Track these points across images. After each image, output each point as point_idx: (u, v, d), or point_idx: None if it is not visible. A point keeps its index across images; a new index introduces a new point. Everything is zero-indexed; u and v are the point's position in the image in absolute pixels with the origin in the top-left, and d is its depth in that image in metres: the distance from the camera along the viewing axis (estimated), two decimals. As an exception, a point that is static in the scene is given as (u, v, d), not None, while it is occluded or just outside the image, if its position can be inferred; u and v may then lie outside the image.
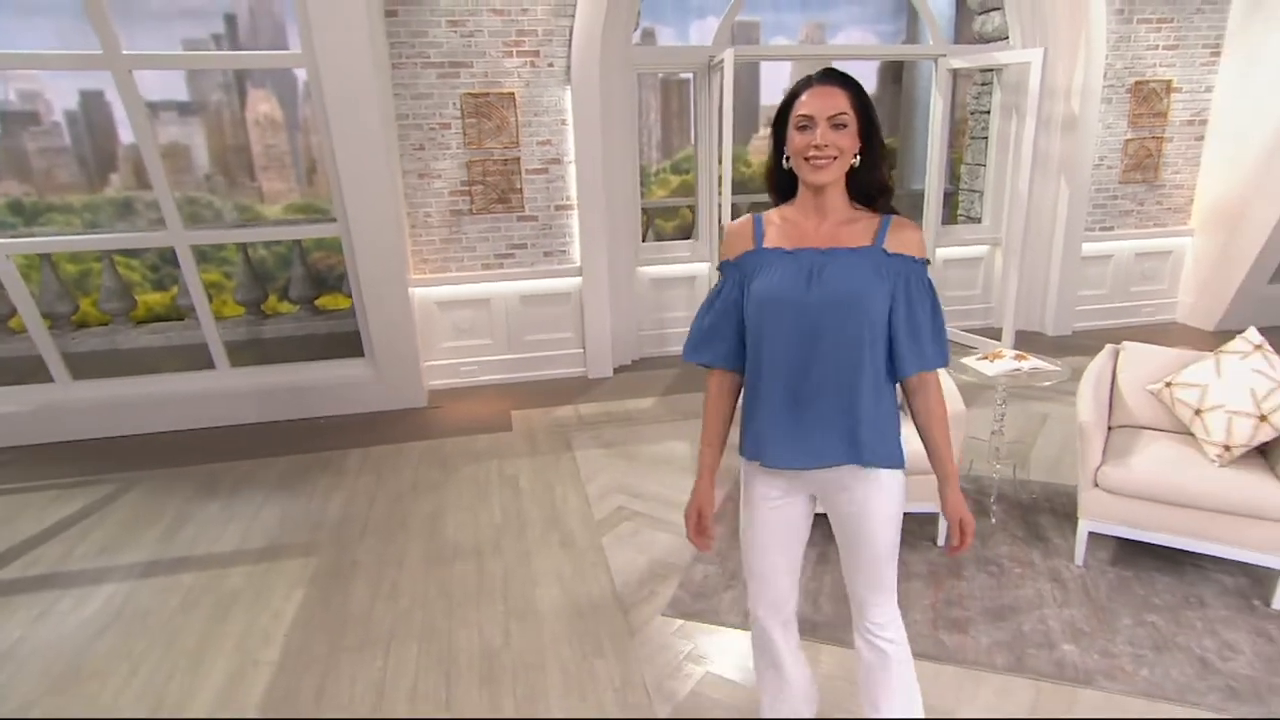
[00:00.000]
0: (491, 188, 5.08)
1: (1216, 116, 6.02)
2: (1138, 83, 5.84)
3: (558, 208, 5.25)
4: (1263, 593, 2.82)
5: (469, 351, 5.41)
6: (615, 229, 5.41)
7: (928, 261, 1.67)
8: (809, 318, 1.62)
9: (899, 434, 1.74)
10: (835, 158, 1.59)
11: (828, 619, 2.76)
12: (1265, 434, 2.79)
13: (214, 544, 3.48)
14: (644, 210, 6.61)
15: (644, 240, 6.18)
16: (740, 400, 1.84)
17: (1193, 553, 2.89)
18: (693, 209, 6.22)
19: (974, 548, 3.20)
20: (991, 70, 6.12)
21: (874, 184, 1.67)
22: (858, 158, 1.63)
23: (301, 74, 4.16)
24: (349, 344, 5.06)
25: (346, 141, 4.17)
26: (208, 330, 4.73)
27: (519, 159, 5.07)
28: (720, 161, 5.09)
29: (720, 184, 5.12)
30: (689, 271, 5.90)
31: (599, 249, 5.29)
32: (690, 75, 5.67)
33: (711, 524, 1.85)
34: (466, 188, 5.06)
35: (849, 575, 1.89)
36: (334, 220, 4.55)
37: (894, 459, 1.72)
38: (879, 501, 1.75)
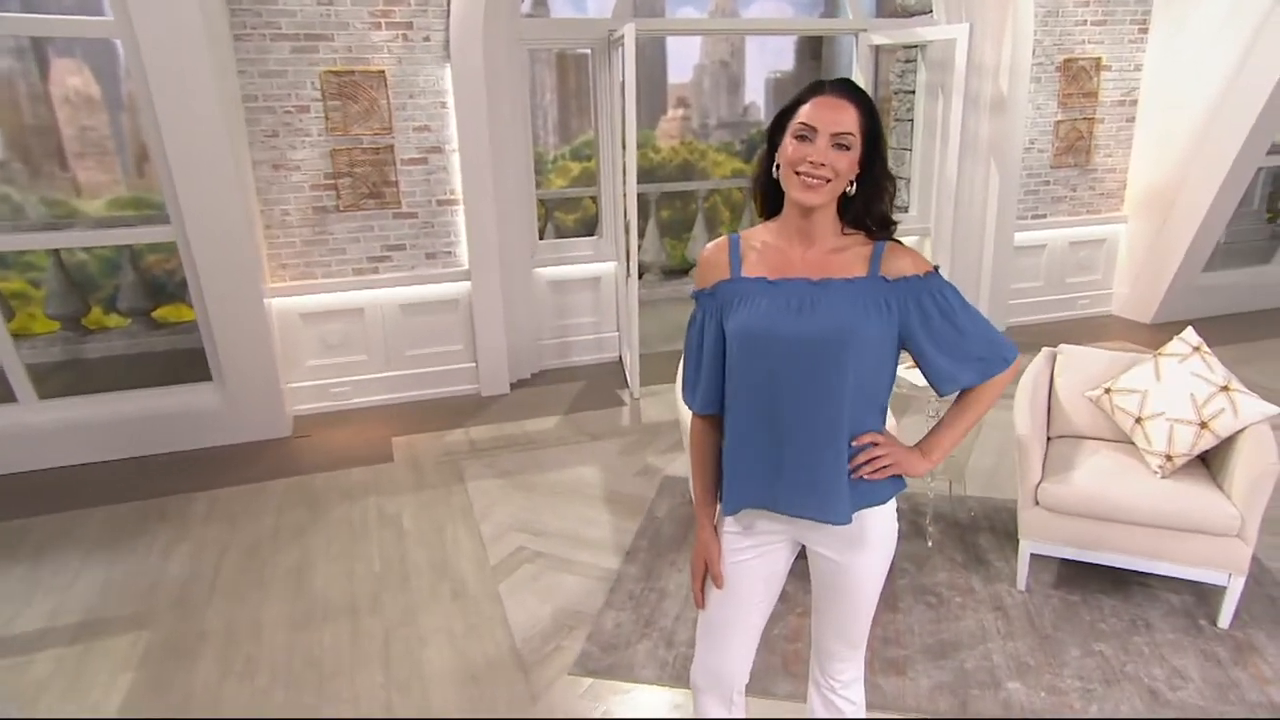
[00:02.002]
0: (361, 180, 4.95)
1: (1146, 96, 6.37)
2: (1067, 60, 6.11)
3: (440, 202, 5.16)
4: (1209, 611, 2.96)
5: (340, 370, 5.25)
6: (508, 225, 5.34)
7: (936, 268, 1.66)
8: (798, 355, 1.61)
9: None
10: (829, 180, 1.57)
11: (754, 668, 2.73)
12: (1207, 441, 2.93)
13: (12, 623, 3.20)
14: (541, 203, 6.56)
15: (542, 237, 6.14)
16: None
17: (1138, 570, 3.00)
18: (596, 200, 6.17)
19: (911, 575, 3.25)
20: (915, 47, 6.29)
21: (874, 217, 1.66)
22: (853, 185, 1.61)
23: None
24: (197, 363, 4.82)
25: (177, 128, 3.96)
26: (4, 355, 4.37)
27: (392, 147, 4.95)
28: (624, 147, 5.05)
29: (624, 172, 5.08)
30: (593, 272, 5.87)
31: (489, 248, 5.21)
32: (589, 50, 5.61)
33: (722, 575, 1.83)
34: (332, 181, 4.91)
35: (819, 625, 1.91)
36: (167, 221, 4.31)
37: (885, 491, 1.73)
38: (868, 552, 1.76)
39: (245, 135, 4.66)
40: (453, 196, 5.17)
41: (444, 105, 4.99)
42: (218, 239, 4.28)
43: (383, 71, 4.81)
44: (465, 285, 5.32)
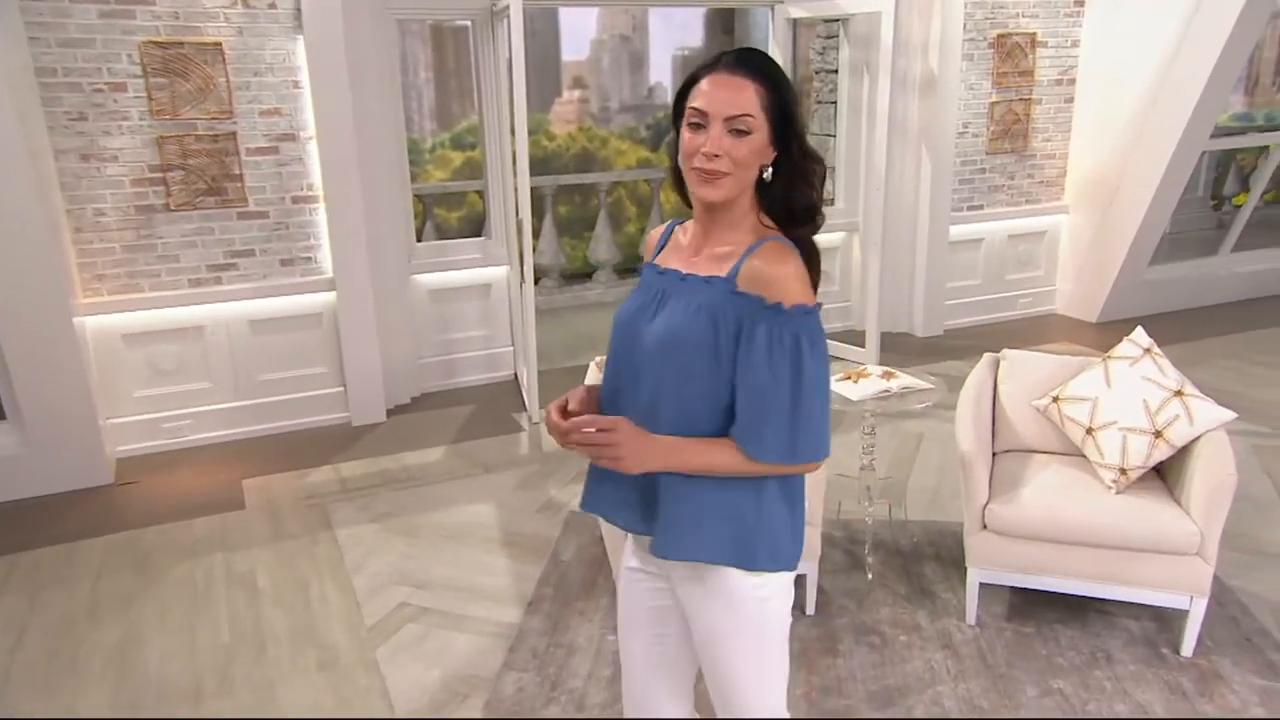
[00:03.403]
0: (197, 174, 4.83)
1: (1084, 75, 6.72)
2: (1000, 35, 6.40)
3: (296, 200, 5.10)
4: (1171, 638, 3.10)
5: (176, 401, 5.11)
6: (379, 225, 5.30)
7: (818, 305, 1.57)
8: (639, 357, 1.65)
9: (767, 524, 1.63)
10: (728, 173, 1.54)
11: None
12: (1162, 452, 3.07)
13: None
14: (418, 198, 6.52)
15: (420, 239, 6.13)
16: None
17: (1095, 596, 3.13)
18: (482, 195, 6.14)
19: (850, 613, 3.30)
20: (837, 21, 6.48)
21: (796, 207, 1.63)
22: (768, 171, 1.59)
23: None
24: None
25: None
26: None
27: (235, 134, 4.86)
28: (513, 134, 5.04)
29: (514, 163, 5.06)
30: (482, 277, 5.86)
31: (357, 253, 5.16)
32: (469, 22, 5.60)
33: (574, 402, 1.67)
34: (159, 174, 4.78)
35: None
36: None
37: (742, 557, 1.61)
38: (730, 614, 1.69)
39: (42, 117, 4.49)
40: (311, 192, 5.11)
41: (297, 85, 4.93)
42: (8, 245, 4.14)
43: (219, 44, 4.71)
44: (329, 296, 5.26)
